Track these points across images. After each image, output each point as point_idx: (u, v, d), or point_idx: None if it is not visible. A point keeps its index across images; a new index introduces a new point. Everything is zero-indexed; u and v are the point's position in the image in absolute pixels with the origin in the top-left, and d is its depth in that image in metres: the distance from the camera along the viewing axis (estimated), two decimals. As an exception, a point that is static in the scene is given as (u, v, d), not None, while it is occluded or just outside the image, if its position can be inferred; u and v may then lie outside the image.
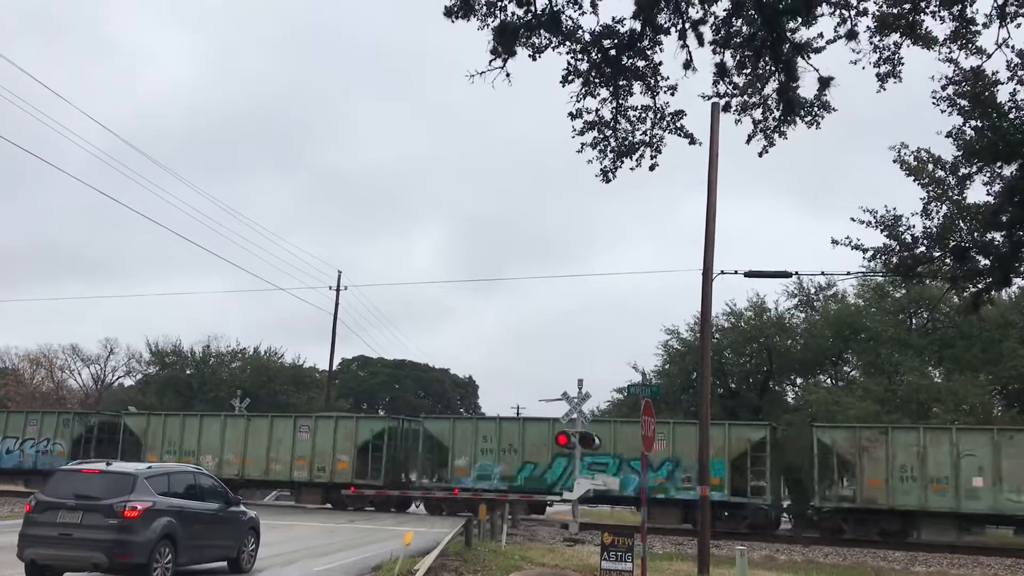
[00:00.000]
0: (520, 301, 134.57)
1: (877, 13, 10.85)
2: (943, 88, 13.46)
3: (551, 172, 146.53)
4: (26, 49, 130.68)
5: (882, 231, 15.14)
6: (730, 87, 11.64)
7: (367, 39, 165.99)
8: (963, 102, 13.40)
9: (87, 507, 13.20)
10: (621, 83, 11.36)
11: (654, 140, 11.92)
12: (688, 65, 10.97)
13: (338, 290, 48.63)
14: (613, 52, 10.96)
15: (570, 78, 11.16)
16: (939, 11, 11.00)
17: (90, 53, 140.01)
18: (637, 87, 11.45)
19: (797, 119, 11.69)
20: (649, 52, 11.02)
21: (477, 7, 10.28)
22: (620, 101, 11.55)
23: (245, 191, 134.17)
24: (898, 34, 11.03)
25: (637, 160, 12.04)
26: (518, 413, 61.39)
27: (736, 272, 24.02)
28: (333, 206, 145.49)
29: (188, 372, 65.13)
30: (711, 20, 10.71)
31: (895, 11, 10.84)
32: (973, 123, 13.53)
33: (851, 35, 10.84)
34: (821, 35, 10.93)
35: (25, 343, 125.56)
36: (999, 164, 13.62)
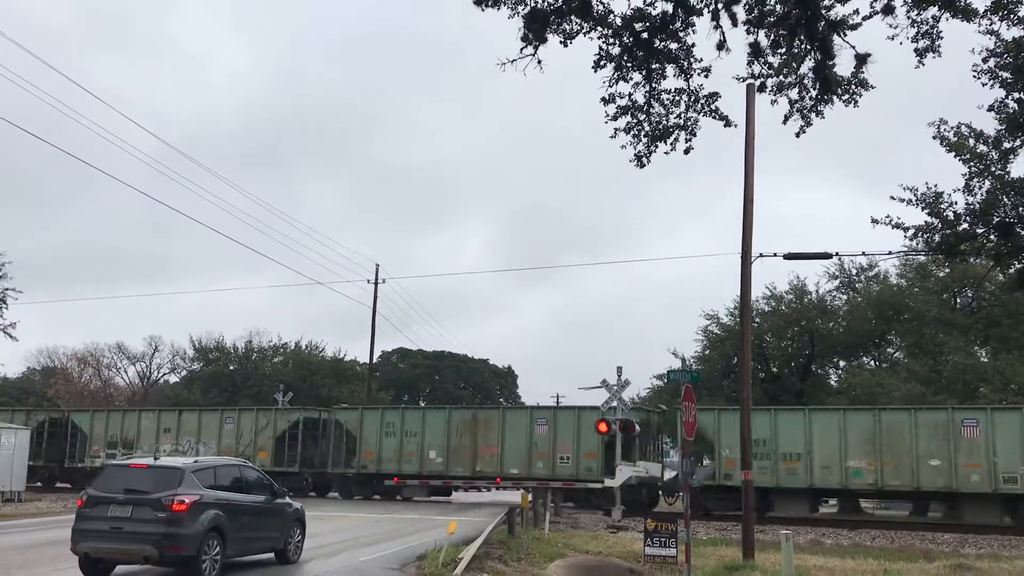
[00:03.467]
0: (565, 291, 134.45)
1: (914, -14, 10.63)
2: (984, 61, 13.17)
3: (604, 160, 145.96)
4: (86, 49, 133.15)
5: (923, 209, 14.89)
6: (765, 67, 11.47)
7: (418, 34, 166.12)
8: (1005, 74, 13.09)
9: (136, 501, 13.47)
10: (654, 66, 11.24)
11: (688, 123, 11.80)
12: (721, 46, 10.83)
13: (376, 283, 48.97)
14: (645, 35, 10.85)
15: (602, 63, 11.06)
16: (979, -18, 10.76)
17: (150, 54, 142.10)
18: (670, 70, 11.32)
19: (834, 98, 11.50)
20: (681, 34, 10.89)
21: (507, -5, 10.23)
22: (653, 85, 11.44)
23: (298, 188, 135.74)
24: (936, 7, 10.78)
25: (672, 144, 11.92)
26: (557, 402, 61.40)
27: (775, 255, 23.73)
28: (385, 202, 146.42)
29: (231, 368, 66.01)
30: (744, -1, 10.58)
31: (933, -17, 10.61)
32: (1016, 95, 13.22)
33: (887, 10, 10.60)
34: (857, 11, 10.71)
35: (73, 343, 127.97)
36: (1044, 137, 13.33)
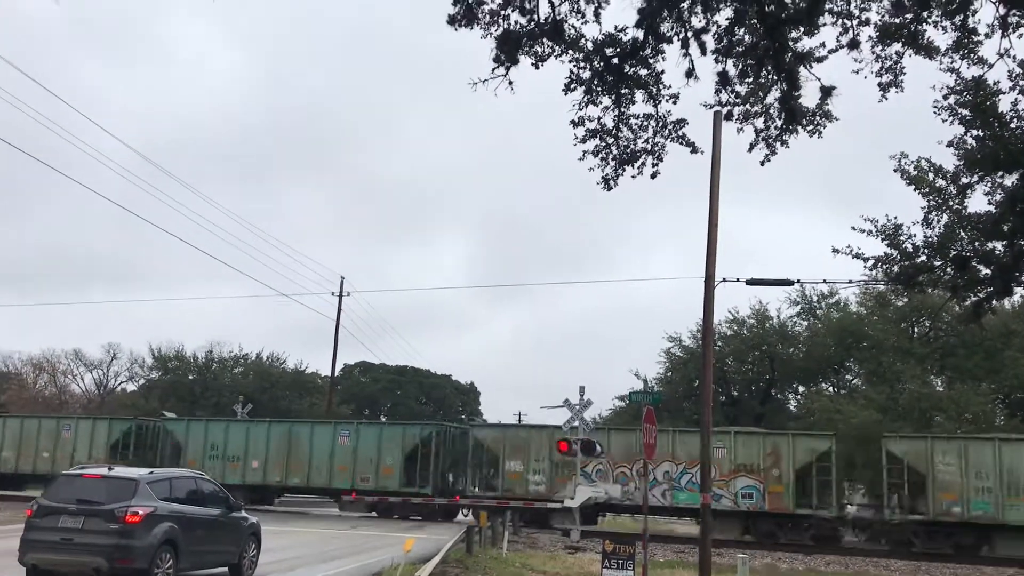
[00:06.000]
0: (535, 309, 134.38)
1: (879, 23, 10.88)
2: (944, 98, 13.49)
3: (586, 179, 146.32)
4: (69, 49, 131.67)
5: (883, 240, 15.16)
6: (732, 96, 11.65)
7: (403, 47, 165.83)
8: (965, 112, 13.42)
9: (89, 512, 13.22)
10: (623, 91, 11.38)
11: (656, 148, 11.94)
12: (690, 74, 10.99)
13: (341, 296, 48.76)
14: (615, 61, 10.98)
15: (572, 86, 11.18)
16: (941, 21, 11.02)
17: (136, 58, 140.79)
18: (639, 95, 11.46)
19: (799, 128, 11.72)
20: (651, 61, 11.03)
21: (480, 16, 10.30)
22: (622, 109, 11.57)
23: (278, 197, 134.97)
24: (900, 43, 11.05)
25: (639, 168, 12.05)
26: (519, 420, 61.29)
27: (738, 280, 24.08)
28: (363, 213, 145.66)
29: (191, 377, 65.24)
30: (713, 29, 10.74)
31: (897, 20, 10.87)
32: (975, 133, 13.55)
33: (853, 44, 10.85)
34: (823, 44, 10.95)
35: (30, 348, 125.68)
36: (1000, 174, 13.64)
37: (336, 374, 57.04)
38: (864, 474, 33.44)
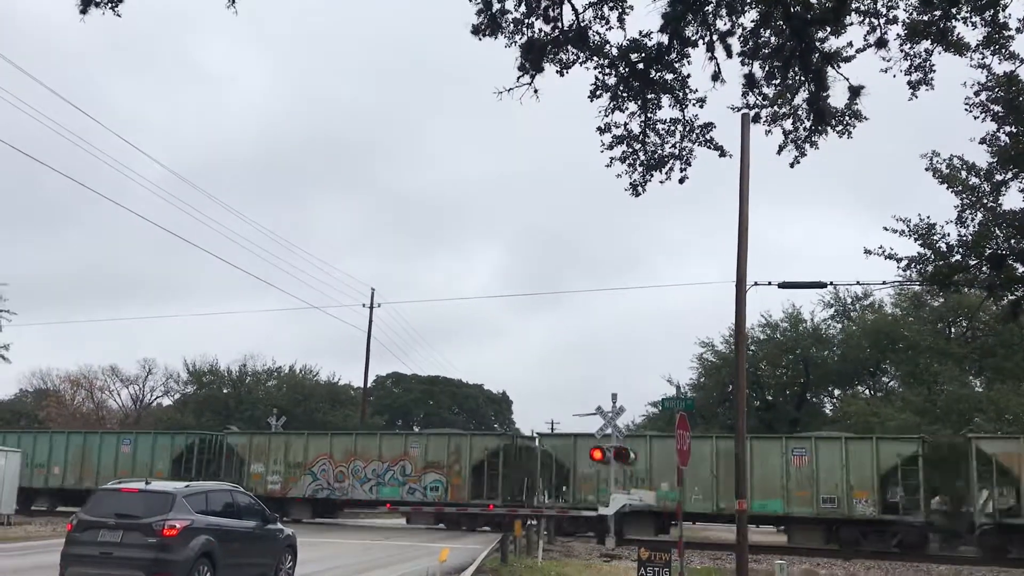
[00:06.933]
0: (566, 317, 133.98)
1: (907, 20, 10.76)
2: (976, 94, 13.31)
3: (616, 186, 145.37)
4: (106, 70, 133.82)
5: (916, 240, 14.98)
6: (760, 98, 11.58)
7: (433, 58, 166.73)
8: (997, 108, 13.23)
9: (127, 526, 13.35)
10: (649, 96, 11.36)
11: (684, 153, 11.90)
12: (717, 77, 10.94)
13: (371, 308, 49.02)
14: (641, 66, 10.96)
15: (598, 93, 11.18)
16: (971, 16, 10.87)
17: (171, 77, 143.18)
18: (665, 100, 11.44)
19: (828, 129, 11.61)
20: (677, 65, 11.00)
21: (504, 25, 10.33)
22: (648, 115, 11.55)
23: (311, 211, 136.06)
24: (929, 41, 10.92)
25: (667, 173, 12.02)
26: (552, 428, 61.16)
27: (770, 283, 23.89)
28: (395, 226, 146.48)
29: (225, 391, 65.78)
30: (739, 31, 10.69)
31: (925, 18, 10.74)
32: (1008, 129, 13.35)
33: (881, 43, 10.74)
34: (851, 44, 10.86)
35: (68, 365, 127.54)
36: (1035, 170, 13.43)
37: (368, 385, 57.28)
38: (521, 470, 35.63)
